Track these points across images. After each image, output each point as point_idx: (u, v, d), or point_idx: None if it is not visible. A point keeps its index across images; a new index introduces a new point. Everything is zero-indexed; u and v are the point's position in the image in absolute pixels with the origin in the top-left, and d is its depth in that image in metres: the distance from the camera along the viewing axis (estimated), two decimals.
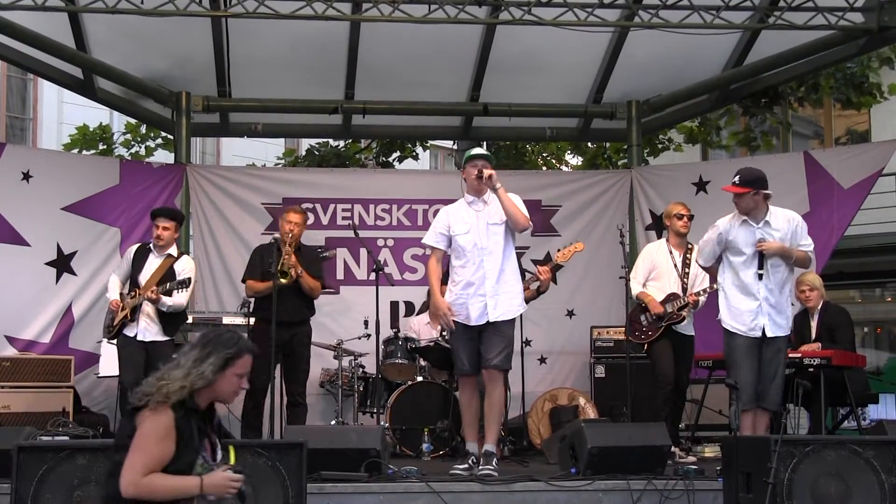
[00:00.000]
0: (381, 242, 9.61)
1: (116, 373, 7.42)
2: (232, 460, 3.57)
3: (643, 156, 11.64)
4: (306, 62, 9.36)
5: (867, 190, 8.94)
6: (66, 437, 6.22)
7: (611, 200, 9.81)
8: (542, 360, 9.45)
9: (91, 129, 12.86)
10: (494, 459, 6.06)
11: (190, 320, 8.35)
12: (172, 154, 10.25)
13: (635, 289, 7.36)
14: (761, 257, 6.14)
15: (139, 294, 7.05)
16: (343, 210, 9.64)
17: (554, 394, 8.58)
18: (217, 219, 9.45)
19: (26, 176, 8.76)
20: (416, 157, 14.75)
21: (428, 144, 15.64)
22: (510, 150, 14.40)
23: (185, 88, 9.54)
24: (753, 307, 6.17)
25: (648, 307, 7.25)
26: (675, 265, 7.37)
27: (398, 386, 7.94)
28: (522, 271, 6.82)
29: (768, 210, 6.23)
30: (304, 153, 14.51)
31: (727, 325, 6.27)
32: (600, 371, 8.87)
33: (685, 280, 7.33)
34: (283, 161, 14.59)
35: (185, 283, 7.04)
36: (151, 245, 7.31)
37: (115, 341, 7.30)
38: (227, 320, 8.14)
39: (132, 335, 7.08)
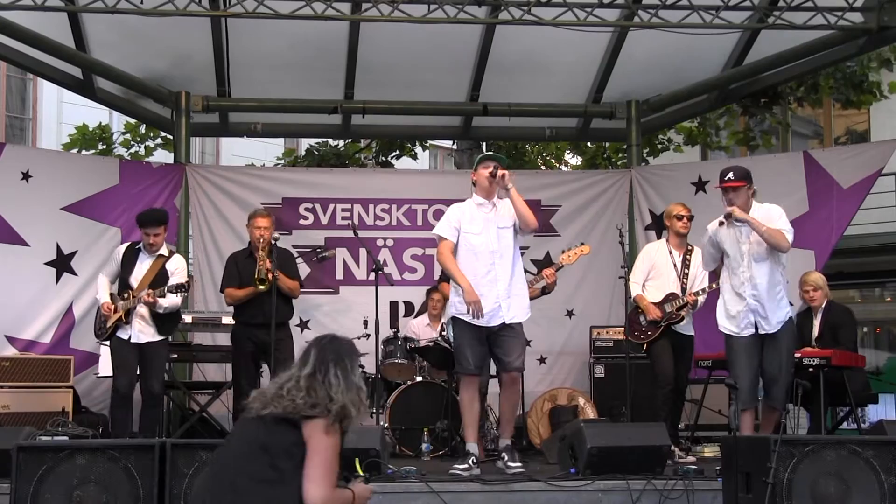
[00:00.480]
0: (380, 242, 9.61)
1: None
2: (360, 472, 3.62)
3: (643, 156, 11.65)
4: (306, 62, 9.36)
5: (867, 190, 8.94)
6: (66, 437, 6.20)
7: (610, 200, 9.82)
8: (542, 360, 9.46)
9: (91, 129, 12.89)
10: (516, 454, 6.22)
11: (189, 320, 8.37)
12: (172, 154, 10.25)
13: (634, 290, 7.35)
14: (729, 218, 6.22)
15: (133, 296, 7.00)
16: (342, 210, 9.64)
17: (553, 394, 8.58)
18: (216, 219, 9.45)
19: (26, 176, 8.76)
20: (415, 157, 14.76)
21: (427, 144, 15.65)
22: (510, 150, 14.40)
23: (185, 88, 9.54)
24: (742, 307, 6.28)
25: (645, 313, 7.24)
26: (675, 265, 7.36)
27: (397, 386, 7.93)
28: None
29: (751, 207, 6.34)
30: (303, 153, 14.51)
31: (721, 328, 6.41)
32: (600, 371, 8.87)
33: (684, 280, 7.32)
34: (282, 161, 14.60)
35: (183, 287, 7.02)
36: (141, 245, 7.24)
37: (107, 343, 7.27)
38: (226, 320, 8.14)
39: (126, 337, 7.03)
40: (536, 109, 10.17)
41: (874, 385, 9.36)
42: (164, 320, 7.15)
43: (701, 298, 7.24)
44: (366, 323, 8.11)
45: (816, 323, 7.84)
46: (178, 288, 6.99)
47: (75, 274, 8.82)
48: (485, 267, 6.24)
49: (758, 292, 6.25)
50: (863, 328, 15.89)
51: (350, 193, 9.74)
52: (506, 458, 6.22)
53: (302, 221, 9.59)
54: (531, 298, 6.73)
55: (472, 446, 6.22)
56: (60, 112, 17.81)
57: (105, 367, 8.02)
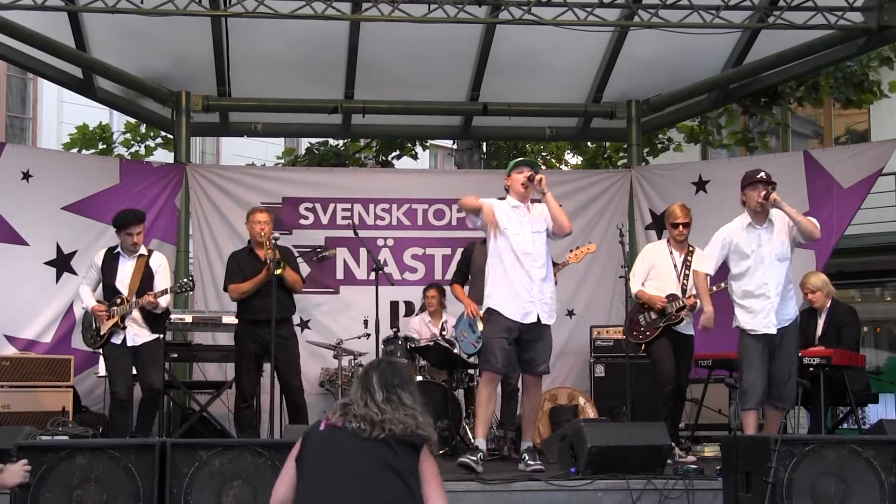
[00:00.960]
0: (380, 242, 9.61)
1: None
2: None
3: (643, 155, 11.64)
4: (306, 62, 9.36)
5: (867, 189, 8.94)
6: (66, 437, 6.20)
7: (610, 200, 9.82)
8: None
9: (91, 129, 12.88)
10: (537, 455, 6.31)
11: (189, 320, 8.37)
12: (172, 153, 10.26)
13: (634, 288, 7.36)
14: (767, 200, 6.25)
15: (127, 301, 6.99)
16: (343, 209, 9.64)
17: (554, 393, 8.59)
18: (217, 218, 9.45)
19: (26, 175, 8.77)
20: (415, 157, 14.76)
21: (428, 144, 15.64)
22: (510, 150, 14.39)
23: (185, 88, 9.55)
24: (766, 305, 6.29)
25: (648, 304, 7.23)
26: (675, 266, 7.35)
27: None
28: None
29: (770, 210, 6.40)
30: (303, 152, 14.51)
31: (744, 326, 6.38)
32: (600, 370, 8.88)
33: (685, 281, 7.31)
34: (282, 160, 14.59)
35: (188, 286, 7.09)
36: (119, 248, 7.19)
37: (100, 350, 7.24)
38: (226, 319, 8.15)
39: (119, 342, 7.00)
40: (537, 109, 10.17)
41: (874, 385, 9.36)
42: (156, 319, 7.13)
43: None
44: (366, 322, 8.12)
45: (820, 322, 7.85)
46: (183, 287, 7.03)
47: (75, 273, 8.81)
48: (520, 267, 6.29)
49: (778, 291, 6.32)
50: (863, 328, 15.87)
51: (350, 193, 9.74)
52: (526, 458, 6.29)
53: (302, 221, 9.59)
54: None
55: (481, 442, 6.28)
56: (61, 112, 17.81)
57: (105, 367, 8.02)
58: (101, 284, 7.20)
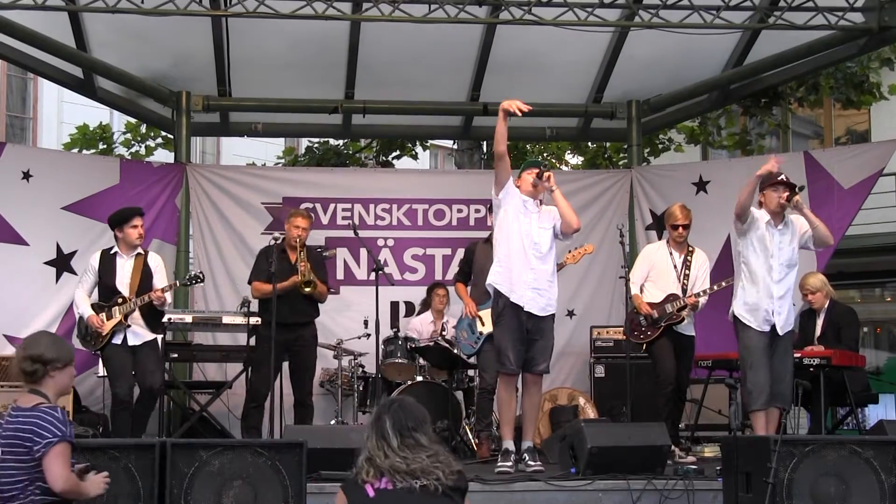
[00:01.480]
0: (381, 242, 9.61)
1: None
2: None
3: (643, 155, 11.64)
4: (306, 62, 9.36)
5: (867, 190, 8.93)
6: None
7: (611, 200, 9.82)
8: None
9: (91, 129, 12.88)
10: (537, 455, 6.40)
11: (189, 320, 8.36)
12: (172, 153, 10.25)
13: (632, 290, 7.36)
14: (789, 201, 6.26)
15: (130, 300, 6.98)
16: (343, 210, 9.64)
17: (554, 393, 8.59)
18: (217, 218, 9.45)
19: (26, 175, 8.76)
20: (415, 157, 14.75)
21: (428, 144, 15.64)
22: (510, 150, 14.36)
23: (185, 88, 9.54)
24: (767, 305, 6.32)
25: (639, 311, 7.24)
26: (675, 266, 7.35)
27: (398, 385, 7.94)
28: None
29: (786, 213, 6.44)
30: (303, 152, 14.50)
31: (740, 316, 6.39)
32: (600, 371, 8.87)
33: (685, 281, 7.31)
34: (282, 160, 14.59)
35: (199, 278, 7.23)
36: (116, 249, 7.19)
37: (99, 352, 7.24)
38: (226, 320, 8.14)
39: (120, 342, 7.00)
40: (537, 109, 9.99)
41: (874, 385, 9.36)
42: (154, 318, 7.15)
43: (702, 300, 7.24)
44: (366, 323, 8.12)
45: (819, 322, 7.85)
46: (193, 279, 7.18)
47: (75, 273, 8.78)
48: (525, 251, 6.39)
49: (783, 294, 6.35)
50: (863, 328, 15.87)
51: (350, 193, 9.74)
52: (527, 458, 6.32)
53: None
54: None
55: (510, 444, 6.33)
56: (61, 111, 17.80)
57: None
58: (97, 286, 7.19)
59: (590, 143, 14.24)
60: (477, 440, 7.53)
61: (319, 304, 7.73)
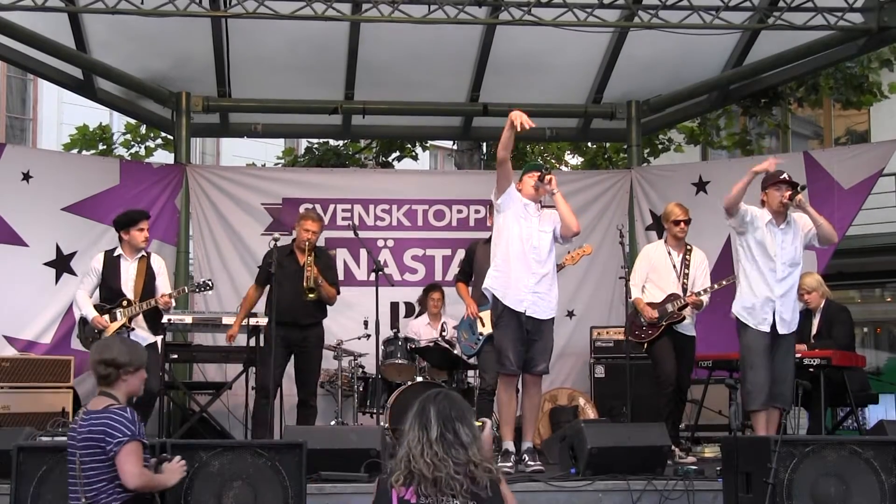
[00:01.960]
0: (380, 243, 9.61)
1: None
2: None
3: (643, 156, 11.64)
4: (306, 62, 9.36)
5: (868, 190, 8.93)
6: (66, 438, 6.20)
7: (611, 200, 9.82)
8: None
9: (91, 130, 12.89)
10: (536, 455, 6.41)
11: (189, 321, 8.35)
12: (172, 154, 10.25)
13: (633, 293, 7.35)
14: (791, 201, 6.25)
15: (135, 303, 6.99)
16: (343, 210, 9.64)
17: (554, 394, 8.59)
18: (217, 219, 9.45)
19: (26, 176, 8.77)
20: (415, 158, 14.76)
21: (428, 145, 15.64)
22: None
23: (185, 89, 9.55)
24: (767, 304, 6.32)
25: (642, 315, 7.24)
26: (674, 266, 7.35)
27: (398, 386, 7.94)
28: None
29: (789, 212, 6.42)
30: (303, 153, 14.50)
31: (740, 316, 6.40)
32: (600, 371, 8.87)
33: (685, 280, 7.31)
34: (282, 161, 14.59)
35: (208, 286, 7.22)
36: (120, 251, 7.21)
37: None
38: (226, 321, 8.13)
39: None
40: (537, 110, 10.07)
41: (874, 385, 9.36)
42: (154, 320, 7.18)
43: (705, 298, 7.23)
44: (366, 323, 8.12)
45: (815, 322, 7.86)
46: (202, 286, 7.17)
47: (75, 274, 8.80)
48: (525, 255, 6.39)
49: (785, 293, 6.34)
50: (863, 328, 15.89)
51: (350, 194, 9.74)
52: (527, 458, 6.33)
53: None
54: None
55: (510, 444, 6.36)
56: (61, 112, 17.80)
57: None
58: (99, 288, 7.21)
59: (589, 144, 14.24)
60: None
61: (328, 306, 7.73)
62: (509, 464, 6.21)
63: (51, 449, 4.88)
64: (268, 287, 7.43)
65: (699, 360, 7.66)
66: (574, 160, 16.69)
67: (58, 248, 8.84)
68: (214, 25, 8.63)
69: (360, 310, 8.43)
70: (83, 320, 7.19)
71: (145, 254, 7.26)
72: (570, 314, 9.54)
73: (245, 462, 4.91)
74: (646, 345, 7.32)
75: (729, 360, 7.46)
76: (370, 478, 5.68)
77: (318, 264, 7.47)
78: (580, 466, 5.87)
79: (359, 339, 8.34)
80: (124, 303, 7.04)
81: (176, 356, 8.25)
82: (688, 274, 7.33)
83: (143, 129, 12.71)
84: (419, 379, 7.96)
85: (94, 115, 13.82)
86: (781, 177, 6.35)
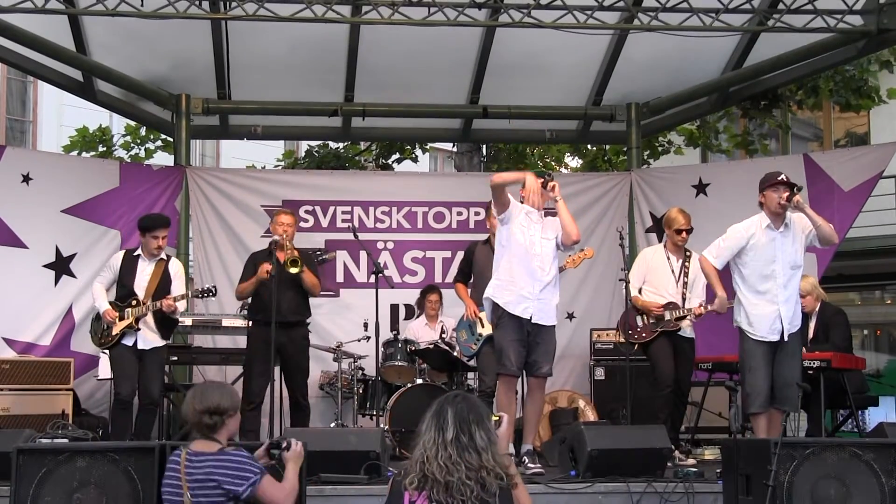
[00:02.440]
0: (380, 245, 9.62)
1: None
2: None
3: (643, 158, 11.64)
4: (306, 65, 9.36)
5: (868, 192, 8.93)
6: (66, 440, 6.20)
7: (610, 203, 9.82)
8: None
9: (91, 132, 12.90)
10: (536, 458, 6.39)
11: (189, 323, 8.36)
12: (172, 156, 10.25)
13: (632, 293, 7.34)
14: (789, 201, 6.23)
15: (143, 304, 7.00)
16: (343, 212, 9.65)
17: (553, 396, 8.58)
18: (216, 221, 9.46)
19: (26, 178, 8.77)
20: (415, 160, 14.76)
21: (427, 147, 15.65)
22: (510, 153, 14.40)
23: (185, 91, 9.55)
24: (772, 312, 6.29)
25: (646, 311, 7.23)
26: (673, 271, 7.34)
27: (398, 388, 7.93)
28: None
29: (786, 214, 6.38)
30: (303, 155, 14.52)
31: (746, 331, 6.37)
32: (600, 373, 8.87)
33: (684, 288, 7.30)
34: (282, 163, 14.59)
35: (211, 292, 7.16)
36: (140, 251, 7.23)
37: (106, 352, 7.26)
38: (226, 323, 8.14)
39: (130, 344, 7.02)
40: (536, 112, 10.17)
41: (874, 388, 9.36)
42: (166, 325, 7.17)
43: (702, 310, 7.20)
44: (366, 325, 8.12)
45: (811, 325, 7.86)
46: (205, 292, 7.11)
47: (74, 276, 8.82)
48: (526, 261, 6.40)
49: (789, 296, 6.33)
50: (863, 331, 15.90)
51: (350, 196, 9.74)
52: (527, 461, 6.32)
53: (302, 224, 9.56)
54: None
55: (510, 446, 6.30)
56: (61, 114, 17.81)
57: (105, 369, 8.02)
58: (114, 285, 7.22)
59: (589, 146, 14.25)
60: None
61: (315, 304, 7.70)
62: None
63: (50, 451, 4.86)
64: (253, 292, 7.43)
65: (699, 363, 7.65)
66: (574, 162, 16.69)
67: (57, 250, 8.83)
68: (214, 27, 8.63)
69: (360, 312, 8.44)
70: (97, 315, 7.21)
71: (165, 257, 7.27)
72: (570, 316, 9.54)
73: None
74: (638, 346, 7.29)
75: (729, 362, 7.46)
76: (370, 480, 5.68)
77: (301, 255, 7.40)
78: (580, 469, 5.87)
79: (359, 341, 8.34)
80: (133, 302, 7.05)
81: (176, 358, 8.25)
82: (687, 280, 7.32)
83: (142, 132, 12.72)
84: (419, 381, 7.95)
85: (94, 117, 13.82)
86: (779, 178, 6.32)
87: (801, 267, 6.43)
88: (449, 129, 10.92)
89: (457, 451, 3.42)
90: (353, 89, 9.64)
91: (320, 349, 8.55)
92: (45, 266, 8.78)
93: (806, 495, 5.07)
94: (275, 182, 9.91)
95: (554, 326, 6.56)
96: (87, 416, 8.22)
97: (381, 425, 7.66)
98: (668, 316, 7.20)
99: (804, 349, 7.46)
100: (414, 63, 9.36)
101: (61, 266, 8.84)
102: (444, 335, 8.22)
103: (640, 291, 7.36)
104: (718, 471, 5.77)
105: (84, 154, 12.53)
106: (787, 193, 6.25)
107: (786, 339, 6.30)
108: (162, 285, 7.10)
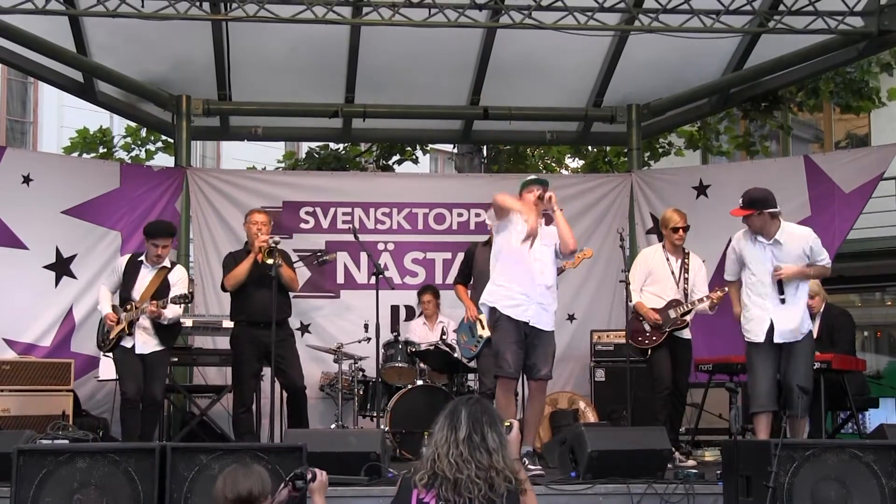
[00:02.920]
0: (381, 246, 9.61)
1: (116, 376, 7.39)
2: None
3: (643, 159, 11.64)
4: (307, 66, 9.37)
5: (868, 194, 8.92)
6: (66, 441, 6.20)
7: (611, 204, 9.82)
8: None
9: (91, 133, 12.89)
10: (536, 459, 6.38)
11: (190, 324, 8.36)
12: (173, 157, 10.26)
13: (633, 297, 7.34)
14: (780, 283, 6.31)
15: (136, 308, 6.99)
16: (343, 213, 9.64)
17: (554, 397, 8.58)
18: (217, 222, 9.45)
19: (27, 179, 8.77)
20: (416, 161, 14.76)
21: (428, 148, 15.65)
22: (510, 154, 14.41)
23: (186, 92, 9.55)
24: (762, 315, 6.35)
25: (645, 318, 7.23)
26: (673, 272, 7.35)
27: (398, 389, 7.93)
28: None
29: (780, 228, 6.35)
30: (303, 156, 14.52)
31: (745, 335, 6.45)
32: (600, 375, 8.87)
33: (685, 286, 7.30)
34: (283, 164, 14.59)
35: (185, 298, 7.03)
36: (143, 257, 7.23)
37: (110, 354, 7.26)
38: (227, 324, 8.13)
39: (129, 346, 7.03)
40: (537, 113, 10.17)
41: (875, 389, 9.36)
42: (166, 331, 7.16)
43: (706, 304, 7.21)
44: (366, 326, 8.11)
45: (815, 326, 7.84)
46: (180, 298, 6.98)
47: (75, 277, 8.82)
48: (525, 265, 6.40)
49: (781, 306, 6.34)
50: (863, 332, 15.88)
51: (351, 197, 9.74)
52: (526, 462, 6.29)
53: (303, 225, 9.59)
54: None
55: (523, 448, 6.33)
56: (61, 115, 17.82)
57: (105, 370, 8.03)
58: (120, 288, 7.22)
59: (590, 147, 14.24)
60: None
61: (315, 305, 7.67)
62: None
63: (51, 452, 4.87)
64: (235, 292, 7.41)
65: (699, 364, 7.66)
66: (574, 163, 16.69)
67: (58, 251, 8.83)
68: (215, 28, 8.63)
69: (361, 313, 8.44)
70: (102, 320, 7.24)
71: (168, 265, 7.25)
72: (571, 318, 9.54)
73: (236, 463, 4.89)
74: (650, 351, 7.29)
75: (729, 363, 7.47)
76: (370, 481, 5.68)
77: (279, 254, 7.32)
78: (580, 470, 5.86)
79: (359, 342, 8.33)
80: (128, 307, 7.05)
81: (176, 359, 8.25)
82: (688, 279, 7.33)
83: (143, 133, 12.71)
84: (419, 382, 7.96)
85: (95, 118, 13.82)
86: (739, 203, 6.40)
87: (793, 282, 6.39)
88: (449, 131, 10.93)
89: (468, 450, 3.45)
90: (354, 90, 9.64)
91: (321, 350, 8.56)
92: (45, 267, 8.78)
93: (806, 497, 5.07)
94: (275, 183, 9.91)
95: (553, 332, 6.56)
96: (87, 417, 8.22)
97: (382, 426, 7.66)
98: (673, 314, 7.21)
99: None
100: (414, 64, 9.36)
101: (62, 267, 8.84)
102: (444, 336, 8.22)
103: (640, 293, 7.35)
104: (719, 472, 5.77)
105: (84, 155, 12.52)
106: (544, 193, 6.39)
107: (787, 345, 6.32)
108: (159, 292, 7.07)
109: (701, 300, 7.20)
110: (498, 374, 6.50)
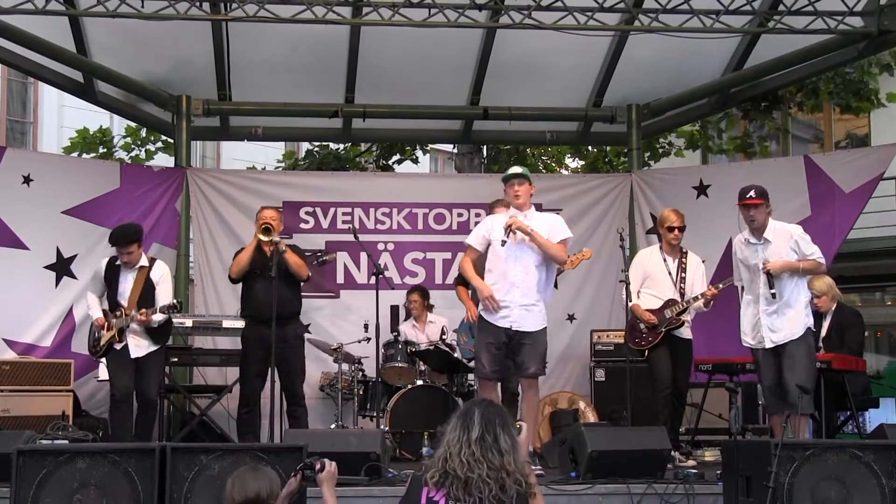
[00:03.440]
0: (381, 246, 9.61)
1: None
2: None
3: (643, 159, 11.63)
4: (306, 66, 9.36)
5: (868, 194, 8.93)
6: (66, 441, 6.20)
7: (611, 204, 9.81)
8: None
9: (91, 133, 12.88)
10: (535, 458, 6.40)
11: (190, 324, 8.36)
12: (173, 157, 10.25)
13: (633, 298, 7.35)
14: (770, 276, 6.37)
15: (125, 314, 6.95)
16: (343, 214, 9.64)
17: (554, 397, 8.59)
18: (217, 222, 9.46)
19: (27, 179, 8.77)
20: (415, 161, 14.76)
21: (428, 148, 15.65)
22: (510, 154, 14.40)
23: (186, 92, 9.55)
24: (757, 320, 6.45)
25: (640, 320, 7.23)
26: (670, 272, 7.35)
27: (398, 389, 7.94)
28: None
29: (768, 226, 6.47)
30: (303, 156, 14.52)
31: (742, 336, 6.59)
32: (600, 375, 8.87)
33: (682, 286, 7.30)
34: (283, 164, 14.59)
35: (174, 308, 6.98)
36: (120, 260, 7.15)
37: (103, 360, 7.25)
38: (227, 324, 8.14)
39: (120, 349, 7.01)
40: (537, 113, 10.17)
41: (875, 389, 9.34)
42: (158, 331, 7.13)
43: (702, 302, 7.22)
44: (366, 326, 8.12)
45: (825, 325, 7.87)
46: (169, 308, 6.95)
47: (75, 278, 8.81)
48: (504, 270, 6.42)
49: (773, 303, 6.38)
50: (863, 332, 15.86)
51: (351, 197, 9.74)
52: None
53: (303, 225, 9.59)
54: None
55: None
56: (61, 116, 17.80)
57: (105, 371, 8.02)
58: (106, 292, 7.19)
59: (590, 147, 14.25)
60: None
61: (315, 306, 7.67)
62: None
63: (51, 452, 4.87)
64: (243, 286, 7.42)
65: (699, 364, 7.66)
66: (574, 163, 16.69)
67: (58, 251, 8.83)
68: (215, 29, 8.63)
69: (361, 313, 8.44)
70: (91, 323, 7.21)
71: (147, 263, 7.19)
72: (571, 318, 9.54)
73: (245, 465, 4.89)
74: (647, 351, 7.31)
75: (729, 363, 7.48)
76: (370, 481, 5.68)
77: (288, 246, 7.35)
78: (580, 470, 5.87)
79: (359, 342, 8.34)
80: (118, 314, 7.02)
81: (176, 359, 8.25)
82: (685, 279, 7.33)
83: (143, 133, 12.71)
84: (419, 382, 7.96)
85: (95, 118, 13.81)
86: (745, 196, 6.45)
87: (784, 279, 6.42)
88: (449, 131, 10.93)
89: (480, 450, 3.48)
90: (354, 90, 9.64)
91: (320, 350, 8.55)
92: (45, 267, 8.78)
93: (806, 497, 5.07)
94: (275, 183, 9.91)
95: (541, 329, 6.54)
96: (87, 418, 8.22)
97: (382, 426, 7.66)
98: (668, 314, 7.21)
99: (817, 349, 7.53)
100: (414, 64, 9.37)
101: (62, 267, 8.84)
102: (444, 336, 8.23)
103: (638, 294, 7.35)
104: (719, 472, 5.77)
105: (84, 155, 12.51)
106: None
107: (779, 346, 6.36)
108: (145, 293, 7.03)
109: (696, 298, 7.20)
110: (477, 375, 6.59)
